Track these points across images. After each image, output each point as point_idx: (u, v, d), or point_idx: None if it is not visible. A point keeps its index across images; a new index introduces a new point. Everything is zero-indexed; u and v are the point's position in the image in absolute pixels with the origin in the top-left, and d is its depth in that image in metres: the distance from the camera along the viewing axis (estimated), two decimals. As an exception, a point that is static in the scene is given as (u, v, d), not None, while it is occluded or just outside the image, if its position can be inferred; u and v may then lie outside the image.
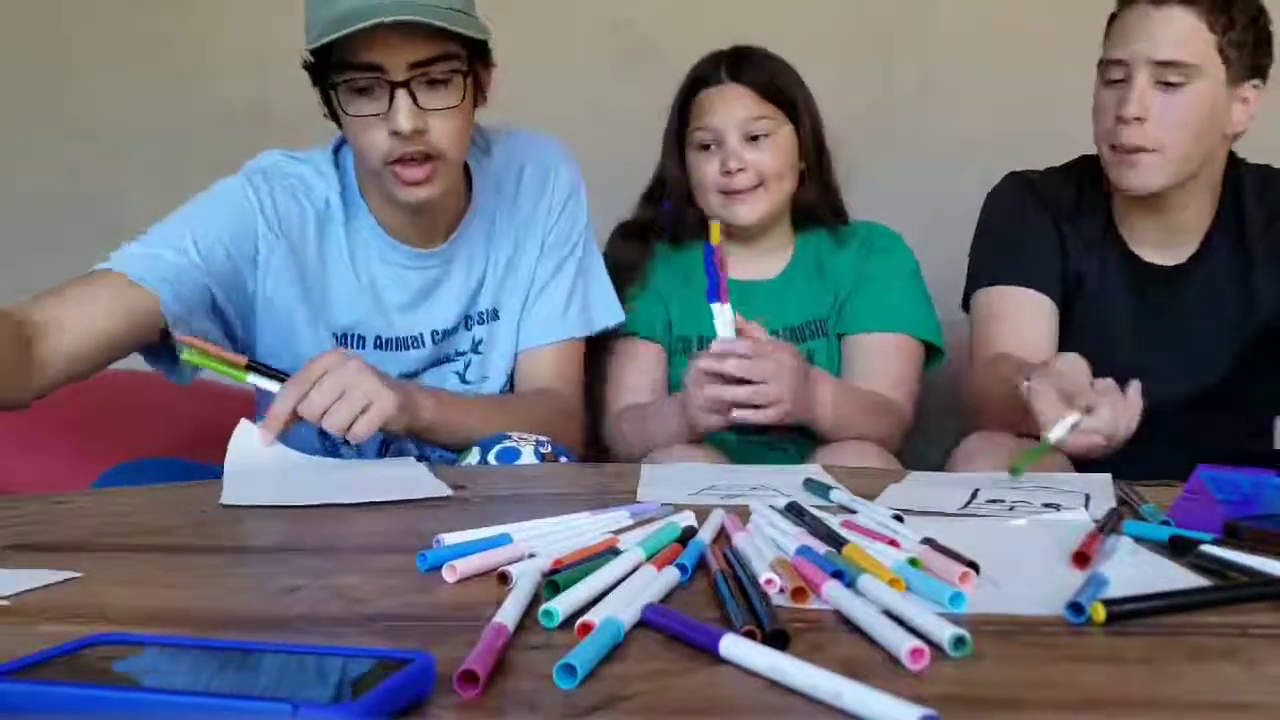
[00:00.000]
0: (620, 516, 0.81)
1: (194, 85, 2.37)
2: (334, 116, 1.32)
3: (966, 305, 1.55)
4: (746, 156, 1.55)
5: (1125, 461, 1.08)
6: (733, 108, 1.55)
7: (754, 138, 1.55)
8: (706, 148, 1.57)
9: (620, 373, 1.60)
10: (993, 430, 1.34)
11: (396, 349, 1.43)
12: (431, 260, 1.43)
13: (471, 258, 1.45)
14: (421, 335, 1.44)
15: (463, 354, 1.47)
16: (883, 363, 1.56)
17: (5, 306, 1.18)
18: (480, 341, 1.47)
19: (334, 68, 1.25)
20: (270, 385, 1.19)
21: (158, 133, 2.39)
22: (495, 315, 1.47)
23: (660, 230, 1.65)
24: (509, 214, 1.47)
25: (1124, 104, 1.34)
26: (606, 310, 1.55)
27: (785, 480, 1.01)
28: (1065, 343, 1.45)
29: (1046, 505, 0.88)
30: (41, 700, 0.45)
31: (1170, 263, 1.46)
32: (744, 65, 1.57)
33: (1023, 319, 1.45)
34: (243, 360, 1.19)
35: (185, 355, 1.17)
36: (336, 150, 1.45)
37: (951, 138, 2.14)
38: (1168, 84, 1.33)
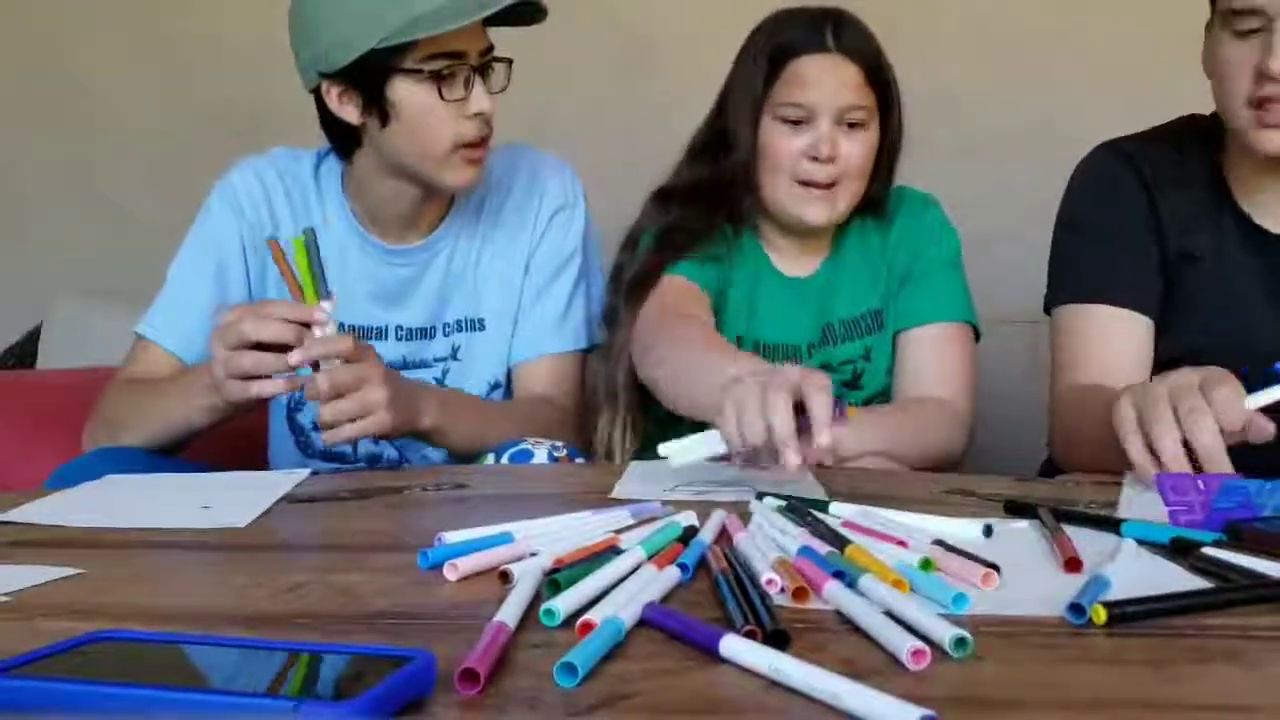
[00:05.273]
0: (621, 515, 0.81)
1: (194, 85, 2.37)
2: (379, 111, 1.33)
3: (1048, 309, 1.38)
4: (840, 145, 1.34)
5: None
6: (837, 86, 1.34)
7: (850, 125, 1.35)
8: (794, 123, 1.35)
9: (671, 301, 1.35)
10: (1082, 473, 1.21)
11: (359, 337, 1.44)
12: (404, 258, 1.45)
13: (450, 261, 1.46)
14: (386, 328, 1.46)
15: (440, 360, 1.47)
16: (938, 358, 1.43)
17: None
18: (459, 348, 1.48)
19: (413, 58, 1.30)
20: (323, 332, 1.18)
21: (158, 132, 2.39)
22: (480, 325, 1.48)
23: (723, 197, 1.42)
24: (494, 225, 1.48)
25: (1269, 57, 1.15)
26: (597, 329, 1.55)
27: (765, 478, 1.01)
28: (1183, 320, 1.31)
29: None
30: (41, 697, 0.45)
31: None
32: (850, 33, 1.36)
33: (1110, 347, 1.29)
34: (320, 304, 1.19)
35: (271, 246, 1.20)
36: (318, 163, 1.48)
37: (955, 139, 2.14)
38: None
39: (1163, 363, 1.31)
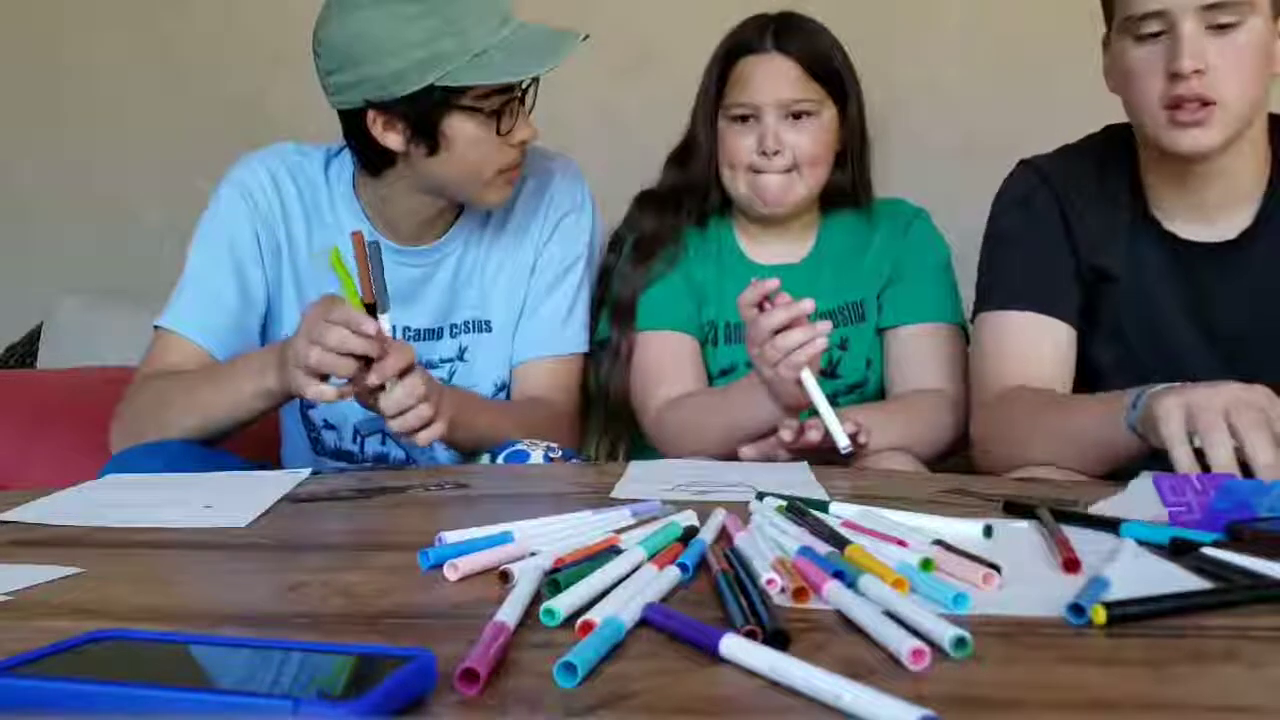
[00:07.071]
0: (622, 515, 0.81)
1: (194, 85, 2.37)
2: (428, 141, 1.33)
3: (972, 319, 1.42)
4: (785, 137, 1.44)
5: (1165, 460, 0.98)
6: (776, 82, 1.44)
7: (795, 116, 1.45)
8: (743, 120, 1.46)
9: (659, 366, 1.49)
10: (997, 471, 1.23)
11: None
12: (415, 259, 1.46)
13: (459, 263, 1.47)
14: (395, 329, 1.45)
15: (447, 361, 1.48)
16: (930, 352, 1.49)
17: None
18: (465, 350, 1.48)
19: (471, 96, 1.30)
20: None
21: (158, 132, 2.39)
22: (486, 327, 1.48)
23: (687, 200, 1.54)
24: (502, 228, 1.49)
25: (1176, 58, 1.16)
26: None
27: (765, 478, 1.01)
28: (1102, 332, 1.33)
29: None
30: (41, 696, 0.45)
31: (1215, 239, 1.28)
32: (791, 34, 1.46)
33: (1032, 354, 1.30)
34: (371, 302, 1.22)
35: (331, 254, 1.23)
36: (327, 162, 1.48)
37: (952, 139, 2.14)
38: (1220, 26, 1.16)
39: (1085, 373, 1.33)
